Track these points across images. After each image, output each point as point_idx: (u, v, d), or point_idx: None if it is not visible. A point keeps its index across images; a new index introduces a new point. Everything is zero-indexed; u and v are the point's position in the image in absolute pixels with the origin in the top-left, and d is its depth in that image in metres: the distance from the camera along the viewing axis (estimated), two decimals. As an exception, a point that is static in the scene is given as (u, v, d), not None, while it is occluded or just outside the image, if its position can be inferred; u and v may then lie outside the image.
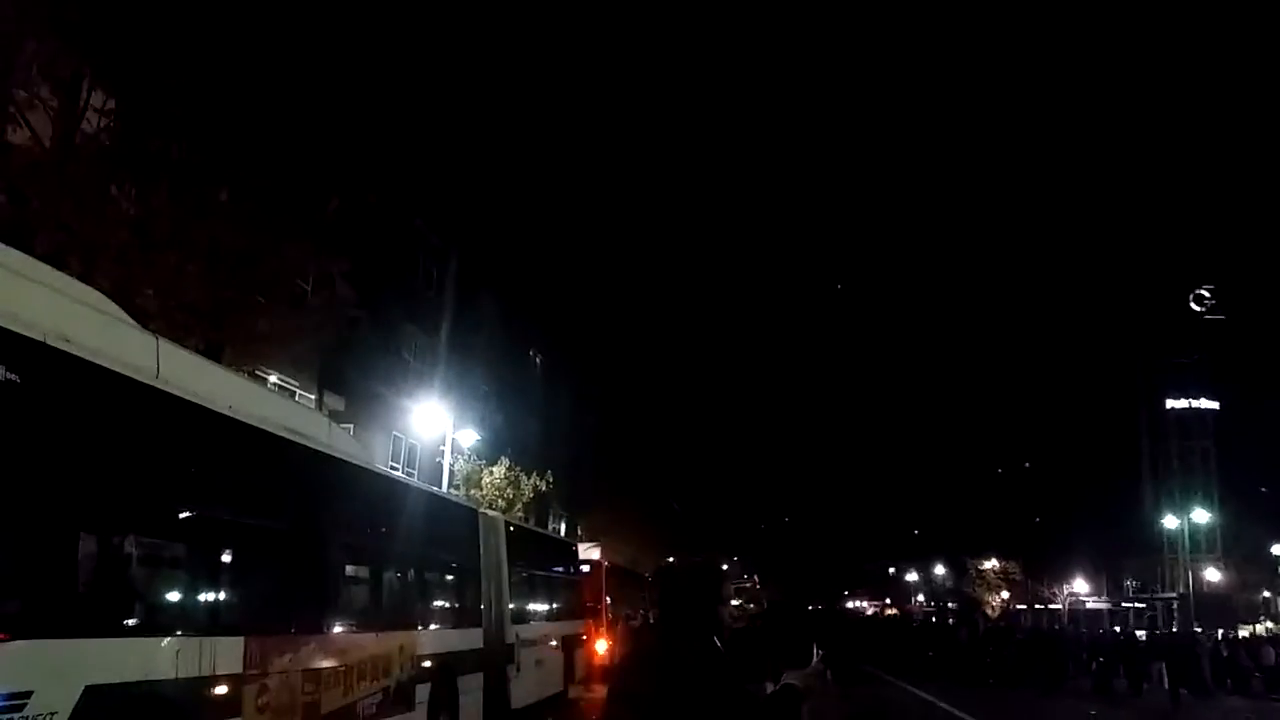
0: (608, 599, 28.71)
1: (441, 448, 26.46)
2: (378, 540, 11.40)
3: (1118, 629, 47.05)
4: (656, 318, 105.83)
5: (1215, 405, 55.98)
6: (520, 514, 28.95)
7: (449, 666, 12.68)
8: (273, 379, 22.71)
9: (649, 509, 65.22)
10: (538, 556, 19.62)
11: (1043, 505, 63.63)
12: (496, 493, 28.02)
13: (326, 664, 9.35)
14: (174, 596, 7.57)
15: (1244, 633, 42.19)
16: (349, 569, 10.84)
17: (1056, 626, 44.34)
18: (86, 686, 5.93)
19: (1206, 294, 55.77)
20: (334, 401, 26.31)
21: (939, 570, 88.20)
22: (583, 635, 22.41)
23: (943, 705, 22.95)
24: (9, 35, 11.78)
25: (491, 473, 28.59)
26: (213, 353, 13.54)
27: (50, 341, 6.06)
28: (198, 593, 7.80)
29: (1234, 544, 48.09)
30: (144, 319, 9.72)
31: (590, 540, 45.51)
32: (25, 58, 12.17)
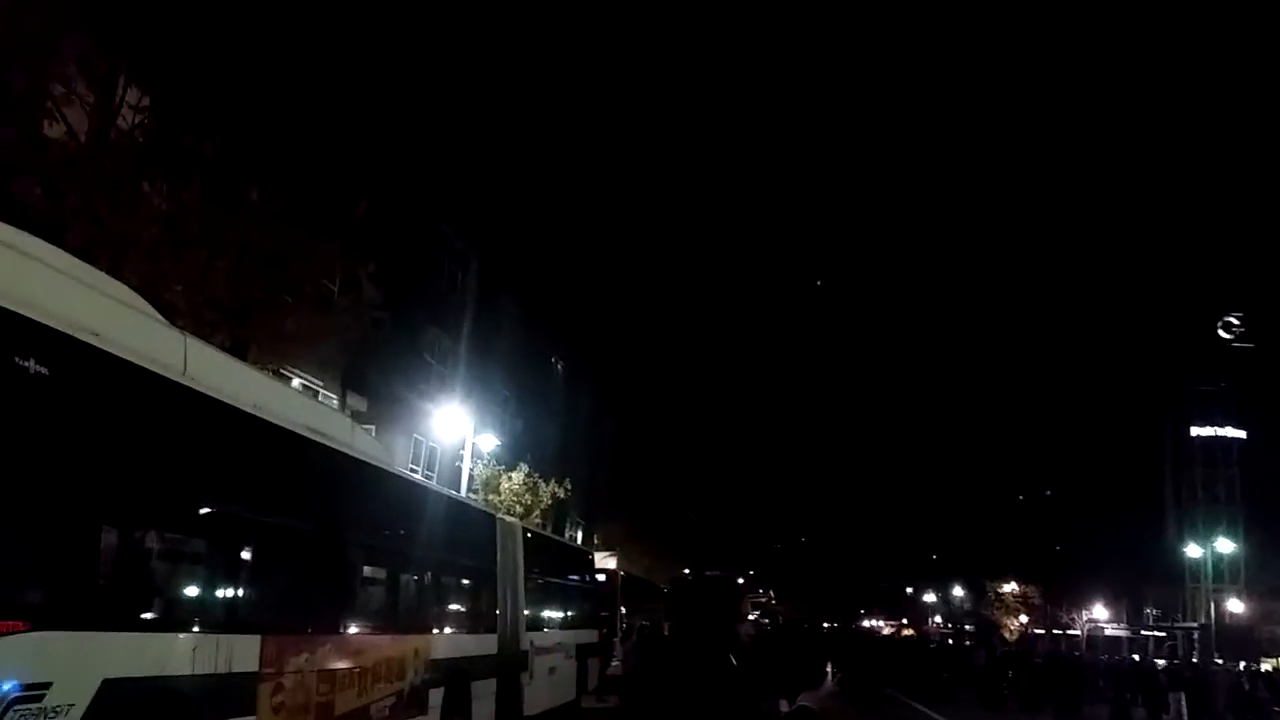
0: (623, 608, 28.65)
1: (461, 452, 26.50)
2: (396, 543, 11.41)
3: (1137, 657, 46.48)
4: (680, 329, 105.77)
5: (1242, 434, 55.32)
6: (538, 520, 28.92)
7: (463, 671, 12.66)
8: (297, 379, 22.84)
9: (666, 520, 65.05)
10: (554, 564, 19.61)
11: (1064, 532, 62.98)
12: (515, 499, 28.02)
13: (342, 665, 9.35)
14: (193, 593, 7.59)
15: (1266, 666, 41.57)
16: (367, 570, 10.86)
17: (1076, 653, 43.82)
18: (104, 680, 5.95)
19: (1235, 321, 55.21)
20: (357, 402, 26.39)
21: (957, 592, 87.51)
22: (597, 644, 22.35)
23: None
24: (48, 32, 11.91)
25: (510, 478, 28.59)
26: (239, 350, 13.61)
27: (79, 336, 6.10)
28: (216, 590, 7.81)
29: (1258, 575, 47.44)
30: (172, 315, 9.78)
31: (607, 549, 45.47)
32: (63, 54, 12.30)
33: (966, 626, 72.37)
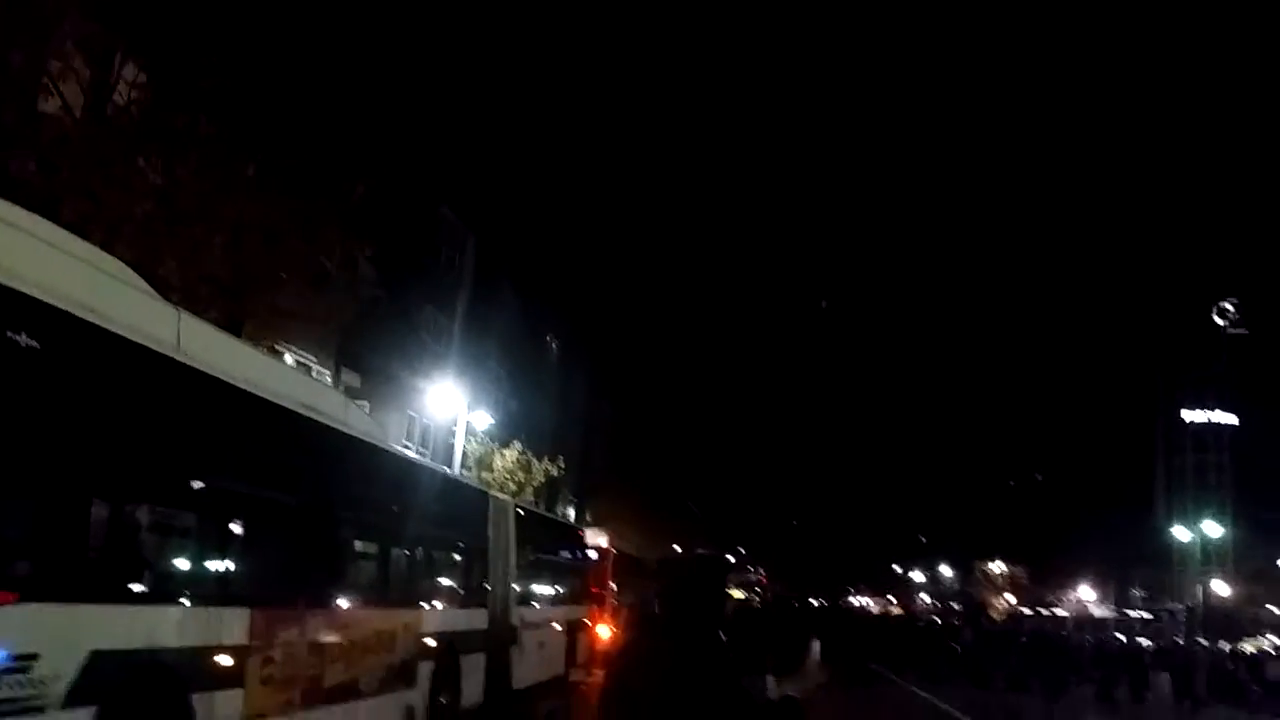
0: (613, 585, 28.82)
1: (455, 429, 26.63)
2: (388, 518, 11.51)
3: (1122, 638, 46.89)
4: (674, 311, 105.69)
5: (1234, 419, 55.53)
6: (530, 498, 29.09)
7: (453, 645, 12.80)
8: (291, 355, 22.91)
9: (658, 499, 65.34)
10: (545, 541, 19.75)
11: (1053, 514, 63.45)
12: (507, 476, 28.19)
13: (331, 638, 9.47)
14: (182, 566, 7.66)
15: (1248, 647, 41.98)
16: (358, 545, 10.96)
17: (1063, 633, 44.25)
18: (92, 651, 6.02)
19: (1230, 307, 55.38)
20: (351, 379, 26.48)
21: (946, 571, 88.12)
22: (587, 620, 22.55)
23: (944, 707, 22.99)
24: (47, 8, 11.91)
25: (503, 456, 28.74)
26: (233, 327, 13.69)
27: (72, 310, 6.16)
28: (206, 563, 7.88)
29: (1244, 558, 47.85)
30: (166, 290, 9.85)
31: (598, 527, 45.70)
32: (62, 31, 12.30)
33: (954, 605, 72.98)
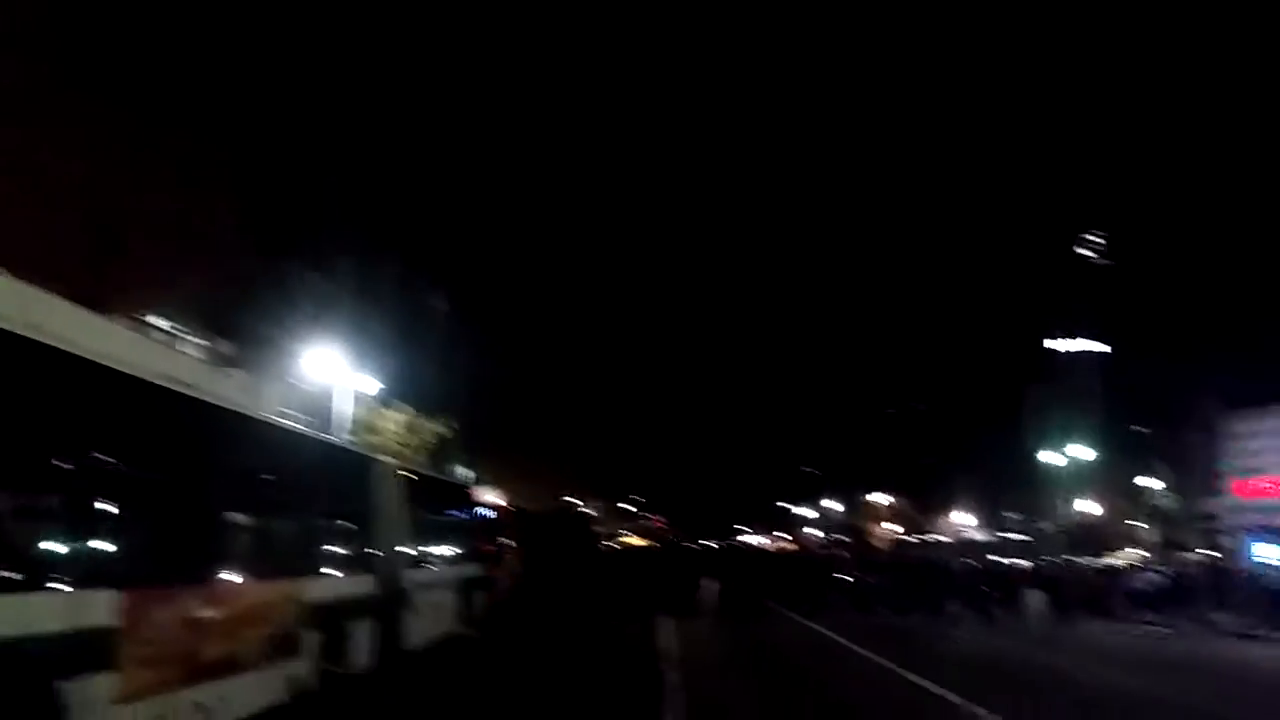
0: (508, 541, 29.01)
1: (337, 393, 26.15)
2: (264, 488, 11.34)
3: (1000, 559, 49.35)
4: (558, 263, 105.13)
5: (1101, 347, 58.28)
6: (419, 459, 28.91)
7: (339, 613, 12.78)
8: (159, 324, 22.17)
9: (554, 454, 65.61)
10: (435, 502, 19.74)
11: (933, 443, 66.05)
12: (395, 438, 27.92)
13: (208, 613, 9.36)
14: (46, 549, 7.44)
15: (1112, 561, 44.72)
16: (234, 517, 10.75)
17: (942, 558, 46.37)
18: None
19: (1096, 239, 57.83)
20: (225, 346, 25.76)
21: (832, 505, 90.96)
22: (481, 577, 22.70)
23: (829, 634, 23.97)
24: None
25: (390, 418, 28.44)
26: (95, 299, 13.17)
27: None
28: (70, 546, 7.65)
29: (1111, 478, 50.65)
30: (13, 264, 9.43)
31: (493, 485, 45.66)
32: None
33: (840, 538, 75.61)
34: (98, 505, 7.94)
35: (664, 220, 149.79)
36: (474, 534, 23.21)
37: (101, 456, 7.94)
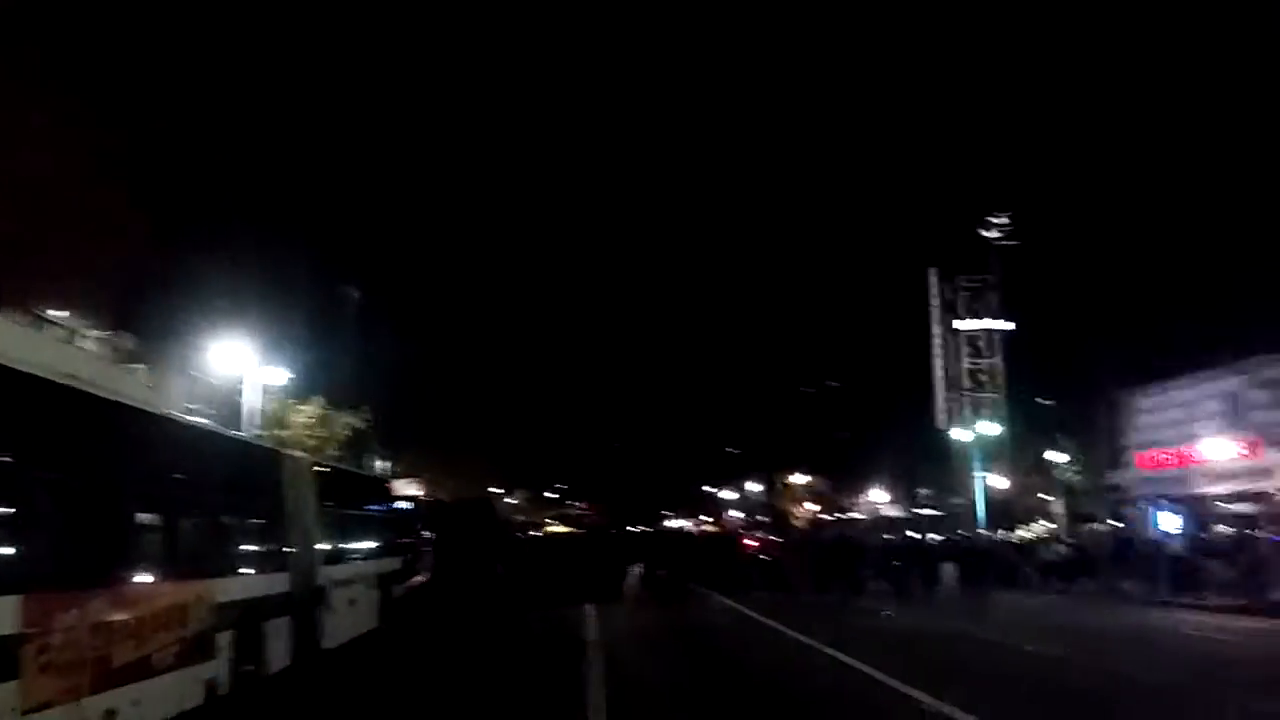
0: (428, 534, 28.71)
1: (246, 387, 25.53)
2: (170, 487, 11.02)
3: (915, 535, 50.62)
4: (474, 247, 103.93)
5: (1007, 325, 59.88)
6: (334, 453, 28.42)
7: (252, 612, 12.51)
8: (57, 317, 21.36)
9: (475, 444, 65.07)
10: (350, 496, 19.44)
11: (848, 421, 67.32)
12: (307, 432, 27.37)
13: (117, 617, 9.08)
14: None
15: (1025, 533, 46.15)
16: (140, 518, 10.44)
17: (859, 535, 47.40)
18: None
19: (998, 220, 59.27)
20: (127, 341, 24.97)
21: (752, 487, 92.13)
22: (400, 570, 22.44)
23: (750, 613, 24.31)
24: None
25: (301, 412, 27.85)
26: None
27: None
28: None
29: (1019, 453, 52.18)
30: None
31: (412, 477, 45.14)
32: None
33: (759, 518, 76.74)
34: (-5, 508, 7.63)
35: (581, 205, 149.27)
36: (391, 528, 22.92)
37: (-2, 457, 7.62)
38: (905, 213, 62.58)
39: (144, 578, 10.01)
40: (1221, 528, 32.02)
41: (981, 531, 46.18)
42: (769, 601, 27.10)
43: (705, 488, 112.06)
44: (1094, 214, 43.80)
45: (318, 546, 15.91)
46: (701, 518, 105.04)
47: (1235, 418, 32.52)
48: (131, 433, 10.23)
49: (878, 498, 62.36)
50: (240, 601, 12.11)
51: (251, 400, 24.85)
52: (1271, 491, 27.92)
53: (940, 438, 55.52)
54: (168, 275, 26.00)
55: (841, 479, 70.18)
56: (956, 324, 58.04)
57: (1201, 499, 33.23)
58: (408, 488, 30.04)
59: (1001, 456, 53.10)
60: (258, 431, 24.75)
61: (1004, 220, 57.80)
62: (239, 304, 29.10)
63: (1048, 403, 50.82)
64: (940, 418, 55.72)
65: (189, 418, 12.65)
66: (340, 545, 18.00)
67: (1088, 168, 44.42)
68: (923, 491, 56.22)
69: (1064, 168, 47.26)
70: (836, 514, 72.34)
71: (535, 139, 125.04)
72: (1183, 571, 28.04)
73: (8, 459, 7.74)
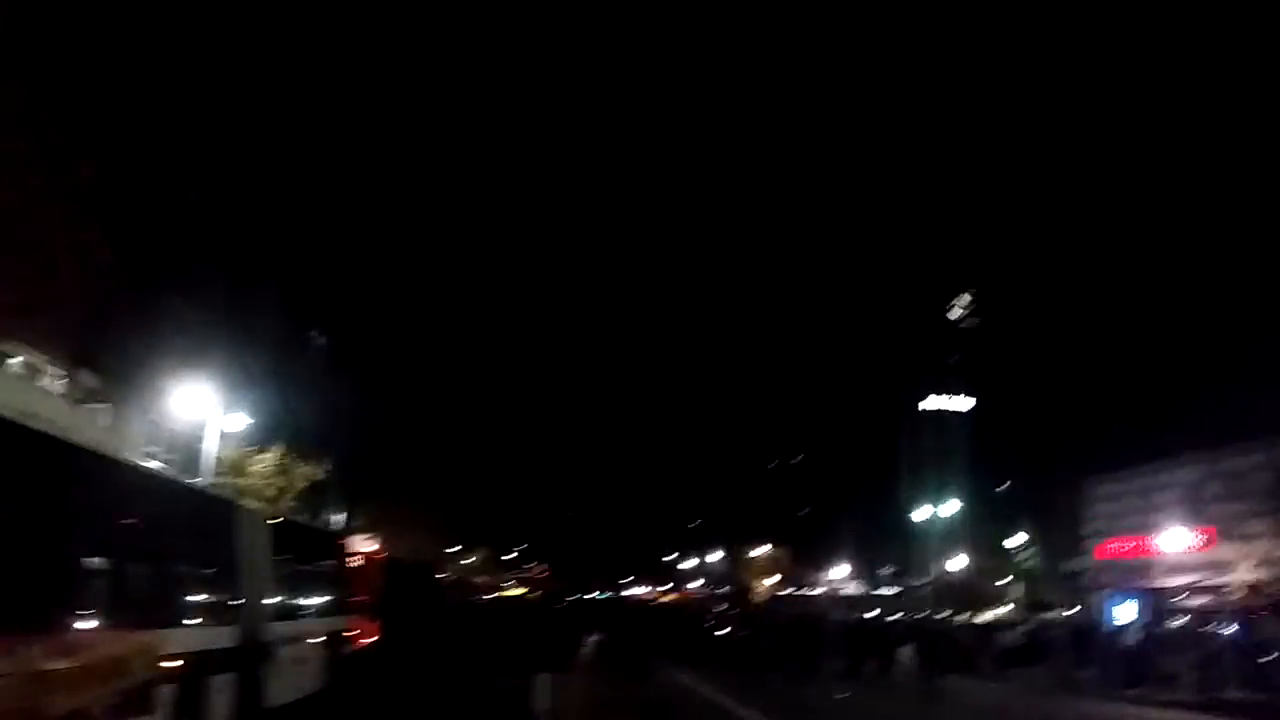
0: (381, 592, 28.13)
1: (207, 432, 25.12)
2: (118, 534, 10.73)
3: (870, 615, 50.36)
4: (445, 307, 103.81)
5: (968, 405, 60.41)
6: (292, 503, 27.96)
7: (197, 666, 12.12)
8: (19, 356, 21.05)
9: (435, 501, 64.30)
10: (303, 551, 19.04)
11: (811, 497, 67.33)
12: (265, 481, 26.92)
13: (54, 666, 8.77)
14: None
15: (982, 617, 46.01)
16: (85, 564, 10.16)
17: (816, 613, 47.09)
18: None
19: (963, 303, 60.23)
20: (89, 380, 24.60)
21: (716, 557, 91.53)
22: (350, 630, 21.94)
23: (701, 690, 23.97)
24: None
25: (261, 460, 27.41)
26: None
27: None
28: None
29: (978, 536, 52.24)
30: None
31: (370, 531, 44.40)
32: None
33: (719, 591, 76.19)
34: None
35: (549, 269, 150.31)
36: (343, 584, 22.45)
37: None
38: (873, 294, 63.42)
39: (87, 626, 9.70)
40: (1179, 620, 32.09)
41: (939, 614, 46.01)
42: (725, 677, 26.74)
43: (668, 557, 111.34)
44: (1060, 301, 44.56)
45: (267, 601, 15.53)
46: (660, 588, 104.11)
47: (1193, 508, 32.81)
48: (80, 475, 9.98)
49: (839, 574, 62.10)
50: (186, 654, 11.73)
51: (212, 447, 24.44)
52: (1227, 585, 28.05)
53: (902, 517, 55.66)
54: (132, 314, 25.69)
55: (803, 553, 69.96)
56: (921, 404, 58.58)
57: (1159, 590, 33.36)
58: (363, 543, 29.47)
59: (961, 539, 53.17)
60: (216, 477, 24.33)
61: (968, 302, 58.77)
62: (203, 347, 28.77)
63: (1006, 485, 51.06)
64: (903, 496, 55.97)
65: (140, 462, 12.38)
66: (290, 601, 17.59)
67: (1056, 253, 45.24)
68: (884, 571, 56.08)
69: (1031, 252, 48.13)
70: (795, 589, 71.96)
71: (498, 201, 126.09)
72: (1139, 663, 27.99)
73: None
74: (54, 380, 22.75)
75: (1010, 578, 47.14)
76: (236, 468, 26.47)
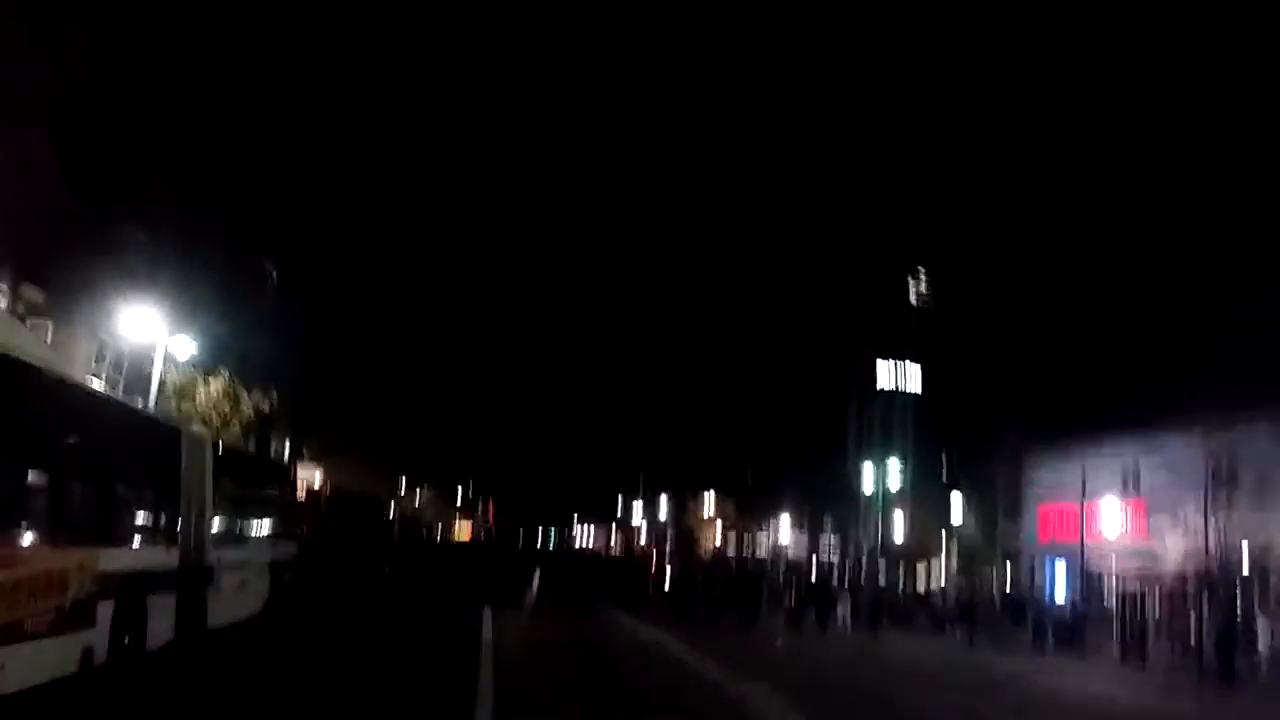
0: (326, 523, 28.09)
1: (153, 355, 24.60)
2: (60, 452, 10.54)
3: (814, 572, 51.36)
4: (401, 243, 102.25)
5: (918, 382, 61.38)
6: (238, 432, 27.62)
7: (137, 585, 12.04)
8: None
9: (382, 434, 64.03)
10: (248, 478, 18.92)
11: (760, 455, 68.03)
12: (212, 408, 26.52)
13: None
14: None
15: (920, 580, 47.06)
16: (24, 480, 9.97)
17: (759, 568, 47.87)
18: None
19: (919, 281, 60.94)
20: (32, 293, 23.95)
21: (664, 505, 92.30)
22: (293, 557, 21.87)
23: (645, 635, 24.27)
24: None
25: (209, 386, 26.98)
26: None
27: None
28: None
29: (920, 500, 53.27)
30: None
31: (316, 463, 44.12)
32: None
33: (666, 540, 77.11)
34: None
35: (509, 206, 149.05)
36: (287, 514, 22.35)
37: None
38: (828, 257, 63.72)
39: (24, 540, 9.55)
40: (1111, 585, 32.95)
41: (879, 575, 46.96)
42: (665, 625, 27.12)
43: (618, 498, 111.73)
44: (1011, 277, 44.96)
45: (211, 526, 15.42)
46: (609, 530, 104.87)
47: (1130, 485, 33.58)
48: (21, 391, 9.74)
49: (783, 532, 62.99)
50: (125, 573, 11.64)
51: (157, 368, 23.98)
52: (1158, 552, 28.81)
53: (847, 479, 56.55)
54: (80, 229, 24.99)
55: (750, 509, 70.81)
56: (872, 370, 59.34)
57: (1091, 560, 34.16)
58: (309, 474, 29.28)
59: (904, 503, 54.07)
60: (162, 400, 23.94)
61: (924, 288, 59.60)
62: (153, 269, 28.07)
63: (950, 453, 51.92)
64: (851, 464, 56.89)
65: (83, 381, 12.12)
66: (234, 527, 17.49)
67: (1005, 227, 45.53)
68: (826, 530, 57.03)
69: (983, 231, 48.42)
70: (740, 544, 72.94)
71: (441, 134, 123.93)
72: (1068, 628, 28.81)
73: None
74: (-2, 292, 22.19)
75: (950, 541, 48.09)
76: (183, 392, 26.02)
